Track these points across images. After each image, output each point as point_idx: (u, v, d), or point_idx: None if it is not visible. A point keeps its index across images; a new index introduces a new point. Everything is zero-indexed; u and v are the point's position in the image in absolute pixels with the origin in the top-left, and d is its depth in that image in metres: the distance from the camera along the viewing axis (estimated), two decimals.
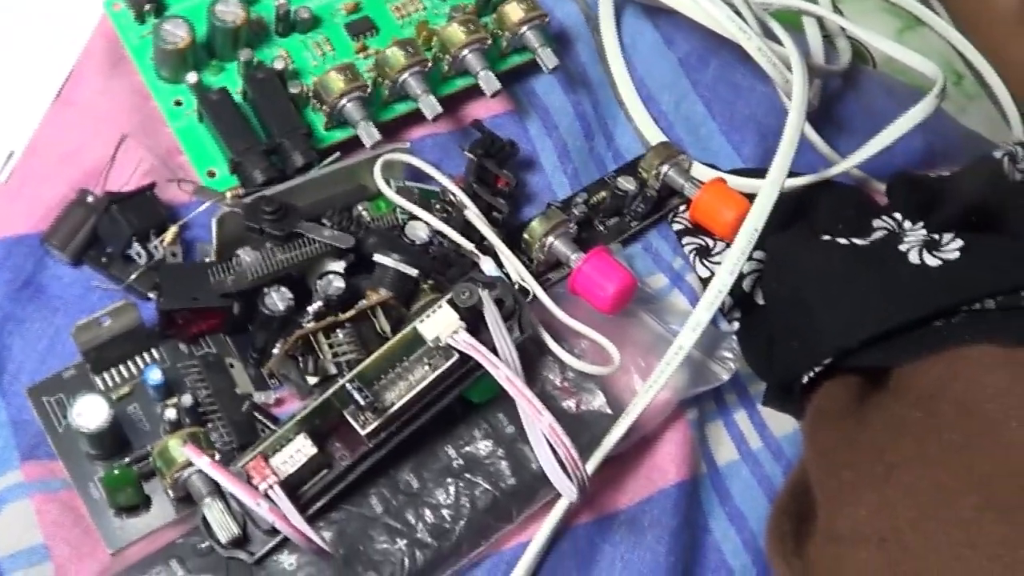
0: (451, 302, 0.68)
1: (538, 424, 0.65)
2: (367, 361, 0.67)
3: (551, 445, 0.66)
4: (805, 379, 0.74)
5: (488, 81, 0.78)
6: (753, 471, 0.77)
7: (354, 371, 0.67)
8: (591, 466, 0.70)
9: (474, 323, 0.68)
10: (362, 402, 0.66)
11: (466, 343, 0.67)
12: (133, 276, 0.74)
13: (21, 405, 0.71)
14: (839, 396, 0.73)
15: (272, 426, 0.70)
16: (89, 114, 0.79)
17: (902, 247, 0.75)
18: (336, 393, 0.67)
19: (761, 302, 0.78)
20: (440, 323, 0.68)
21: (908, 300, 0.72)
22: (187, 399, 0.69)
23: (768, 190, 0.74)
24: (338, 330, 0.70)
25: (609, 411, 0.73)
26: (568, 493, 0.67)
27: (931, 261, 0.73)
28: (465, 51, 0.79)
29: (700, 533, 0.75)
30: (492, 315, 0.68)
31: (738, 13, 0.80)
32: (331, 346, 0.69)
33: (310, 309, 0.70)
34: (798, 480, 0.73)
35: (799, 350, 0.74)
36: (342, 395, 0.67)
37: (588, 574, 0.71)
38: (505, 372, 0.66)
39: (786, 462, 0.77)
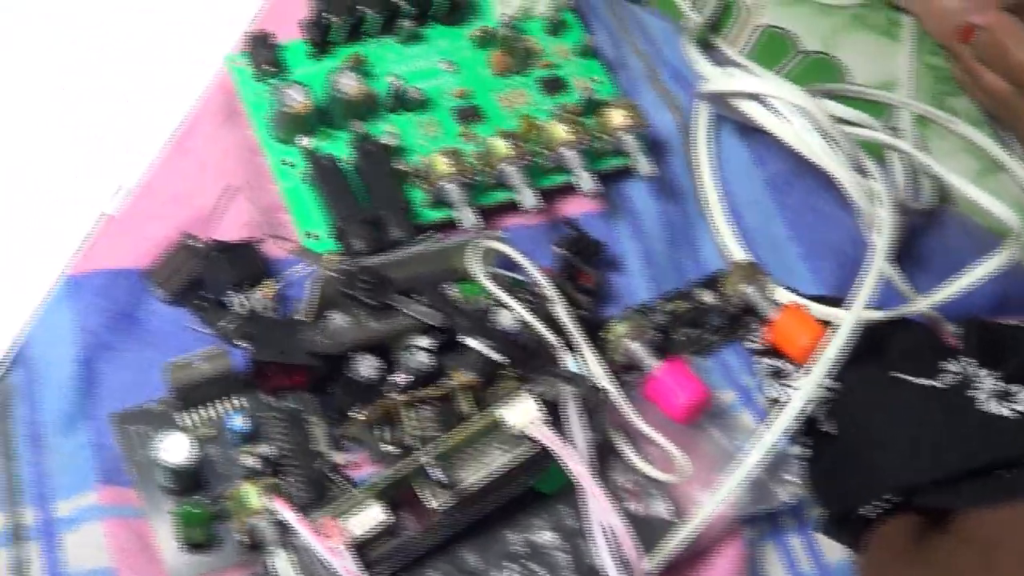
0: (533, 393, 0.70)
1: (606, 522, 0.67)
2: (450, 441, 0.69)
3: (610, 544, 0.68)
4: (862, 511, 0.75)
5: (586, 182, 0.82)
6: None
7: (436, 448, 0.69)
8: (651, 568, 0.71)
9: (552, 415, 0.70)
10: (440, 479, 0.68)
11: (544, 435, 0.69)
12: (226, 323, 0.75)
13: (103, 430, 0.74)
14: (899, 534, 0.75)
15: (345, 487, 0.71)
16: (199, 161, 0.83)
17: (972, 393, 0.77)
18: (415, 466, 0.68)
19: (826, 429, 0.79)
20: (521, 412, 0.70)
21: (975, 447, 0.74)
22: (267, 449, 0.72)
23: (849, 321, 0.76)
24: (424, 406, 0.71)
25: (671, 518, 0.75)
26: None
27: (1002, 411, 0.75)
28: (565, 149, 0.82)
29: None
30: (572, 412, 0.70)
31: (831, 143, 0.82)
32: (414, 420, 0.71)
33: (394, 380, 0.72)
34: None
35: (861, 483, 0.76)
36: (420, 469, 0.68)
37: None
38: (580, 468, 0.68)
39: None
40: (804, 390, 0.75)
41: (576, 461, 0.69)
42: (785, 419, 0.75)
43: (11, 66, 0.85)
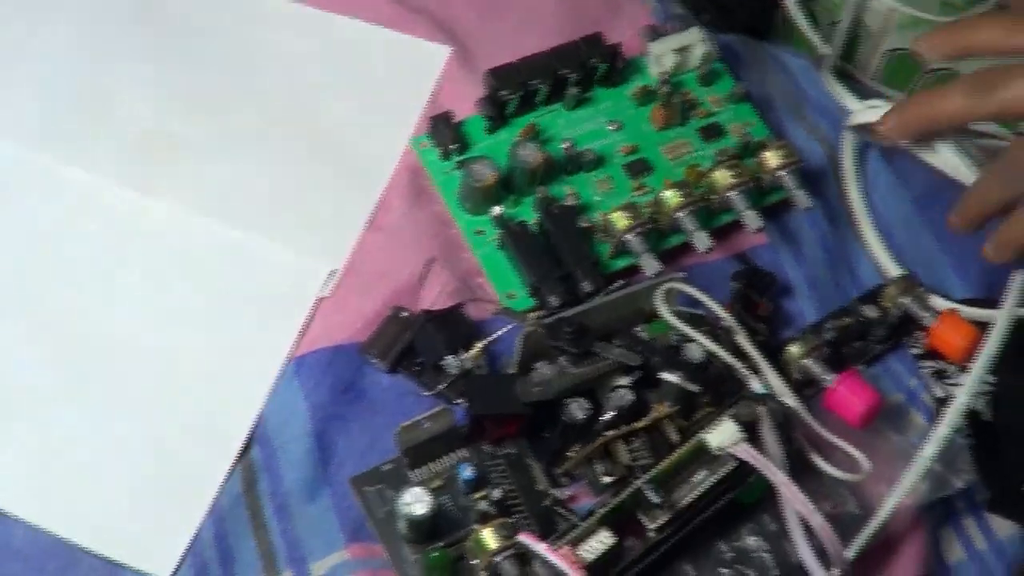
0: (733, 416, 0.79)
1: (807, 520, 0.76)
2: (662, 466, 0.78)
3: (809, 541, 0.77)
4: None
5: (752, 220, 0.89)
6: (980, 569, 0.87)
7: (651, 474, 0.77)
8: (850, 557, 0.80)
9: (748, 434, 0.79)
10: (656, 501, 0.77)
11: (748, 453, 0.78)
12: (444, 385, 0.84)
13: (343, 493, 0.83)
14: None
15: (570, 518, 0.80)
16: (397, 238, 0.91)
17: None
18: (633, 492, 0.77)
19: (986, 419, 0.87)
20: (723, 434, 0.79)
21: None
22: (497, 493, 0.80)
23: (1001, 322, 0.85)
24: (633, 438, 0.80)
25: (860, 513, 0.83)
26: None
27: None
28: (731, 192, 0.90)
29: None
30: (767, 429, 0.79)
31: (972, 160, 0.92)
32: (626, 452, 0.80)
33: (604, 419, 0.81)
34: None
35: (1020, 464, 0.84)
36: (637, 494, 0.77)
37: None
38: (780, 476, 0.77)
39: (1007, 561, 0.87)
40: (967, 387, 0.83)
41: (775, 471, 0.78)
42: (953, 414, 0.83)
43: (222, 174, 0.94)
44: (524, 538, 0.75)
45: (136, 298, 0.88)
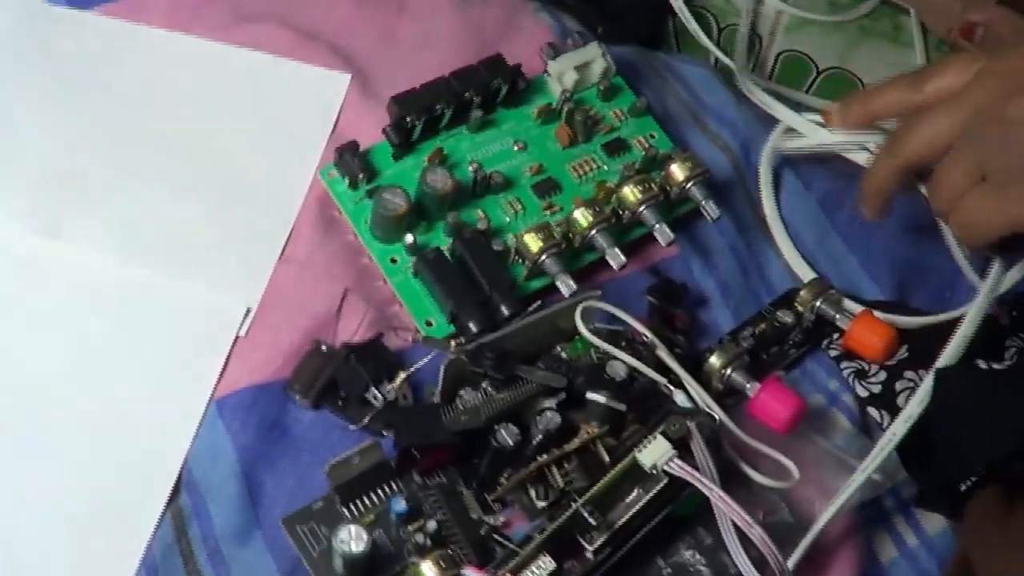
0: (663, 433, 0.79)
1: (749, 534, 0.77)
2: (597, 487, 0.78)
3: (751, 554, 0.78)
4: (963, 488, 0.84)
5: (663, 234, 0.90)
6: (912, 566, 0.88)
7: (587, 496, 0.78)
8: (791, 566, 0.81)
9: (681, 449, 0.79)
10: (594, 523, 0.77)
11: (681, 468, 0.78)
12: (369, 418, 0.84)
13: (276, 535, 0.82)
14: (989, 503, 0.84)
15: (507, 545, 0.80)
16: (310, 270, 0.90)
17: None
18: (570, 515, 0.77)
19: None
20: (656, 452, 0.79)
21: None
22: (432, 524, 0.80)
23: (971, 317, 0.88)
24: (565, 460, 0.80)
25: (792, 520, 0.84)
26: None
27: None
28: (641, 208, 0.90)
29: None
30: (698, 443, 0.79)
31: None
32: (563, 475, 0.80)
33: (534, 443, 0.81)
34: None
35: (955, 463, 0.85)
36: (574, 516, 0.77)
37: None
38: (717, 493, 0.77)
39: (938, 556, 0.88)
40: (915, 400, 0.87)
41: (710, 485, 0.78)
42: (899, 425, 0.86)
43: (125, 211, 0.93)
44: (468, 572, 0.74)
45: (49, 345, 0.87)
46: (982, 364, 0.89)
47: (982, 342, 0.88)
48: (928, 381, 0.85)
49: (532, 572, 0.77)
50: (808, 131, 0.97)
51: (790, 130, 0.99)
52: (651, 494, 0.80)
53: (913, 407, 0.84)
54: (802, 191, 0.99)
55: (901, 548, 0.88)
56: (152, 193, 0.92)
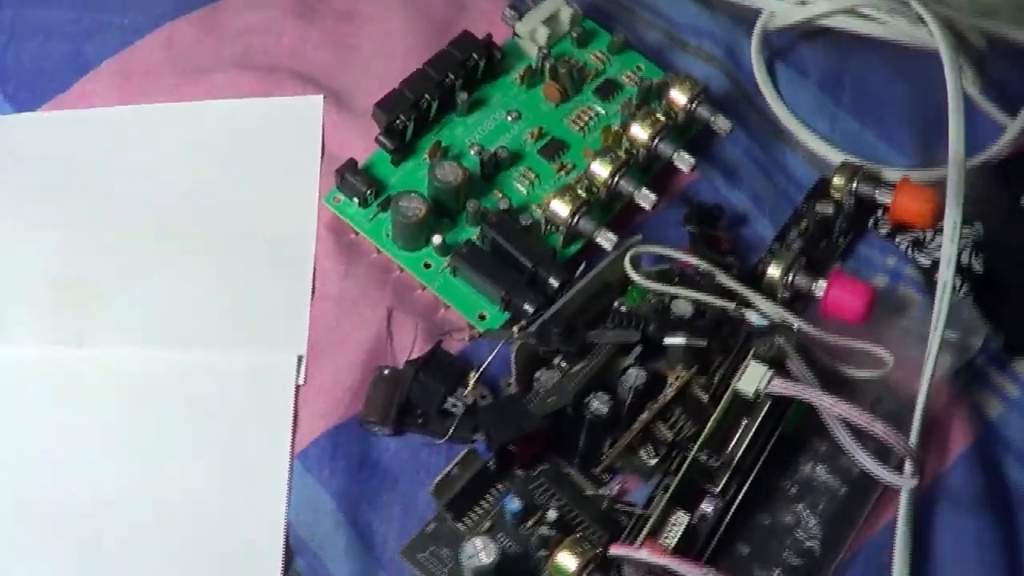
0: (756, 356, 0.77)
1: (872, 428, 0.75)
2: (707, 429, 0.76)
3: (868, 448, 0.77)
4: None
5: (684, 161, 0.88)
6: (1020, 415, 0.87)
7: (701, 439, 0.76)
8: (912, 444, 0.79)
9: (776, 369, 0.77)
10: (715, 465, 0.75)
11: (785, 386, 0.76)
12: (453, 428, 0.81)
13: (399, 569, 0.79)
14: None
15: (633, 512, 0.78)
16: (346, 301, 0.88)
17: None
18: (690, 463, 0.75)
19: (977, 270, 0.87)
20: (754, 377, 0.77)
21: None
22: (552, 514, 0.77)
23: (954, 172, 0.85)
24: (667, 412, 0.78)
25: (895, 406, 0.83)
26: (906, 482, 0.77)
27: None
28: (656, 142, 0.88)
29: (1000, 481, 0.84)
30: (794, 356, 0.77)
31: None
32: (670, 428, 0.78)
33: (627, 403, 0.78)
34: None
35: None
36: (693, 464, 0.75)
37: (925, 546, 0.81)
38: (828, 399, 0.75)
39: None
40: (945, 252, 0.84)
41: (818, 393, 0.77)
42: (941, 285, 0.84)
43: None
44: (617, 549, 0.72)
45: (113, 454, 0.84)
46: None
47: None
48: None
49: (669, 530, 0.75)
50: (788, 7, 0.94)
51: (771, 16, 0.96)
52: (759, 419, 0.78)
53: (950, 249, 0.83)
54: (799, 79, 0.98)
55: (1005, 401, 0.87)
56: (165, 273, 0.89)
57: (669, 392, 0.79)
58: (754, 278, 0.87)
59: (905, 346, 0.84)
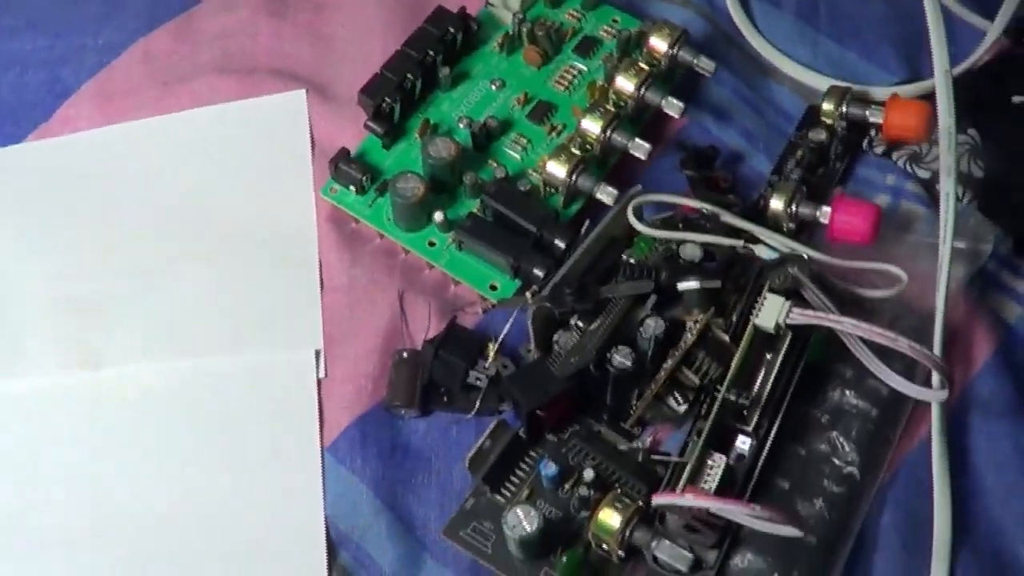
0: (771, 290, 0.77)
1: (895, 345, 0.75)
2: (733, 368, 0.76)
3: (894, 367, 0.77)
4: None
5: (673, 107, 0.88)
6: None
7: (728, 380, 0.76)
8: (937, 354, 0.79)
9: (792, 299, 0.77)
10: (745, 403, 0.75)
11: (804, 315, 0.76)
12: (480, 400, 0.81)
13: (444, 549, 0.80)
14: None
15: (669, 462, 0.77)
16: (356, 290, 0.88)
17: None
18: (720, 405, 0.75)
19: (978, 175, 0.86)
20: (773, 310, 0.77)
21: None
22: (588, 473, 0.77)
23: (941, 81, 0.84)
24: (691, 357, 0.78)
25: (915, 321, 0.83)
26: (936, 395, 0.77)
27: None
28: (642, 91, 0.88)
29: None
30: (809, 285, 0.77)
31: None
32: (696, 371, 0.77)
33: (650, 353, 0.78)
34: None
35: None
36: (723, 405, 0.75)
37: (963, 457, 0.81)
38: (849, 322, 0.75)
39: None
40: (943, 163, 0.84)
41: (838, 318, 0.76)
42: (944, 196, 0.83)
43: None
44: (659, 498, 0.72)
45: (148, 469, 0.84)
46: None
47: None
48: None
49: (708, 474, 0.75)
50: None
51: None
52: (783, 352, 0.78)
53: (948, 159, 0.82)
54: (774, 11, 0.99)
55: (1022, 303, 0.86)
56: (173, 284, 0.89)
57: (690, 337, 0.79)
58: (758, 213, 0.86)
59: (916, 261, 0.84)
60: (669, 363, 0.78)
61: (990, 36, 0.92)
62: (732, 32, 0.97)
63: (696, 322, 0.79)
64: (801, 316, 0.76)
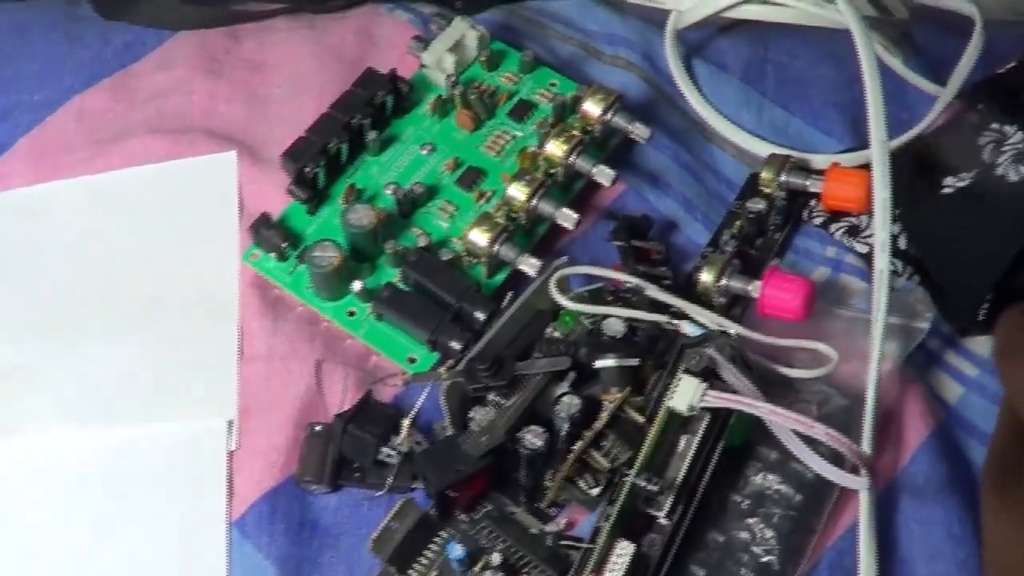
0: (687, 371, 0.74)
1: (814, 435, 0.72)
2: (643, 453, 0.73)
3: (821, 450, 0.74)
4: (981, 316, 0.81)
5: (604, 175, 0.86)
6: (981, 395, 0.83)
7: (638, 464, 0.73)
8: (868, 447, 0.76)
9: (711, 380, 0.74)
10: (655, 488, 0.72)
11: (720, 398, 0.73)
12: (391, 478, 0.78)
13: None
14: (1016, 323, 0.79)
15: (580, 546, 0.74)
16: (275, 358, 0.86)
17: (998, 171, 0.83)
18: (629, 490, 0.72)
19: (913, 252, 0.84)
20: (687, 392, 0.74)
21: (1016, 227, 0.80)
22: (496, 558, 0.75)
23: (877, 152, 0.82)
24: (602, 439, 0.75)
25: (847, 401, 0.79)
26: (862, 482, 0.73)
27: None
28: (572, 158, 0.85)
29: (966, 468, 0.81)
30: (726, 366, 0.74)
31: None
32: (605, 455, 0.74)
33: (563, 434, 0.75)
34: (1004, 413, 0.79)
35: (961, 295, 0.82)
36: (633, 491, 0.72)
37: (892, 545, 0.78)
38: (765, 407, 0.72)
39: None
40: (878, 238, 0.81)
41: (755, 403, 0.73)
42: (877, 272, 0.81)
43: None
44: None
45: (54, 540, 0.81)
46: (950, 185, 0.84)
47: (952, 154, 0.84)
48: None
49: (615, 562, 0.72)
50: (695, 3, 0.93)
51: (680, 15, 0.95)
52: (700, 436, 0.74)
53: (882, 233, 0.80)
54: (720, 74, 0.96)
55: (964, 382, 0.84)
56: (91, 350, 0.87)
57: (604, 416, 0.75)
58: (689, 286, 0.82)
59: (852, 338, 0.81)
60: (578, 445, 0.74)
61: (940, 103, 0.89)
62: (675, 96, 0.94)
63: (612, 401, 0.75)
64: (716, 399, 0.73)
